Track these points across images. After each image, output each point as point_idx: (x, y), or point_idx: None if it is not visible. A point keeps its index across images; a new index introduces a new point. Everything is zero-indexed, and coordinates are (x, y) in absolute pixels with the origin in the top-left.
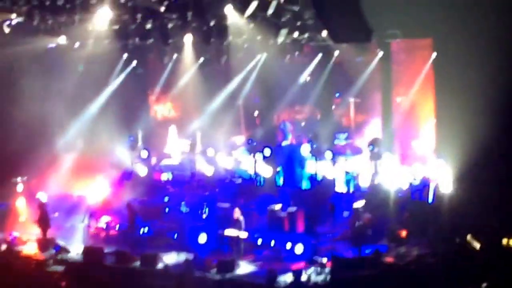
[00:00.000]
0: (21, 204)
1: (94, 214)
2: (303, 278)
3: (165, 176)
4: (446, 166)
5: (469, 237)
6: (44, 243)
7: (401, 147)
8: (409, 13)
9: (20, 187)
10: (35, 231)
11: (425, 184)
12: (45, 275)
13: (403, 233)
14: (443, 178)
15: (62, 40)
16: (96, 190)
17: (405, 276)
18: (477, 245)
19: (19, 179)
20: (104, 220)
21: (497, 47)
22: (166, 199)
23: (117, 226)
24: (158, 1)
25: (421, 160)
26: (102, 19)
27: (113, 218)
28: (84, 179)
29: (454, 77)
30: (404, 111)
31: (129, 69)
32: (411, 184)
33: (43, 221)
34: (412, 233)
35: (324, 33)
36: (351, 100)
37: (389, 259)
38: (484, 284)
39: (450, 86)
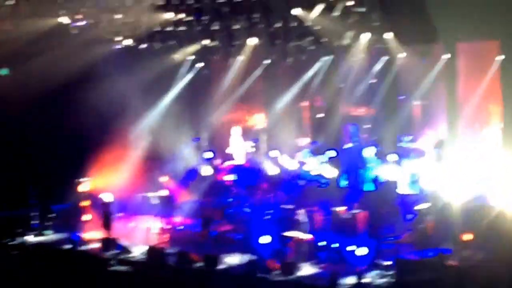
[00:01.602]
0: (85, 204)
1: (158, 214)
2: (366, 280)
3: (229, 177)
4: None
5: None
6: (107, 243)
7: (466, 150)
8: (476, 14)
9: (85, 187)
10: (98, 232)
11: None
12: (107, 275)
13: (468, 237)
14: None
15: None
16: (161, 190)
17: (468, 280)
18: None
19: (84, 178)
20: (168, 221)
21: None
22: (230, 200)
23: (182, 226)
24: (224, 2)
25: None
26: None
27: (178, 218)
28: (149, 179)
29: None
30: (470, 115)
31: (195, 70)
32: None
33: (107, 221)
34: (477, 237)
35: (390, 35)
36: (416, 102)
37: (453, 263)
38: None
39: None
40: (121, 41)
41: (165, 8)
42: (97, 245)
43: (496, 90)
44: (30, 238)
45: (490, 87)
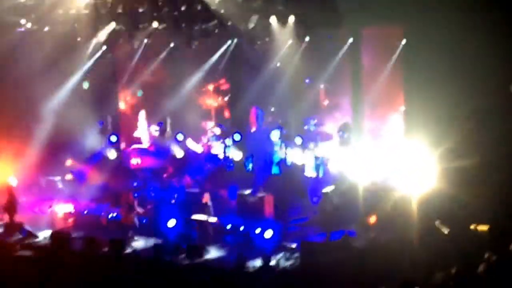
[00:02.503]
0: None
1: (63, 198)
2: (272, 263)
3: (135, 161)
4: (416, 153)
5: (437, 222)
6: (11, 228)
7: (372, 133)
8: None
9: None
10: (1, 216)
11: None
12: (12, 260)
13: (372, 219)
14: (413, 165)
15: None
16: (66, 174)
17: (373, 261)
18: (445, 230)
19: None
20: (72, 205)
21: (468, 38)
22: (135, 184)
23: (86, 211)
24: None
25: (391, 146)
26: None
27: (82, 202)
28: (54, 163)
29: (422, 66)
30: (375, 98)
31: (99, 54)
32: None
33: (11, 205)
34: (380, 219)
35: (294, 19)
36: (322, 86)
37: (358, 244)
38: (453, 270)
39: (419, 74)
40: (24, 24)
41: None
42: (0, 229)
43: (400, 74)
44: None
45: (394, 72)
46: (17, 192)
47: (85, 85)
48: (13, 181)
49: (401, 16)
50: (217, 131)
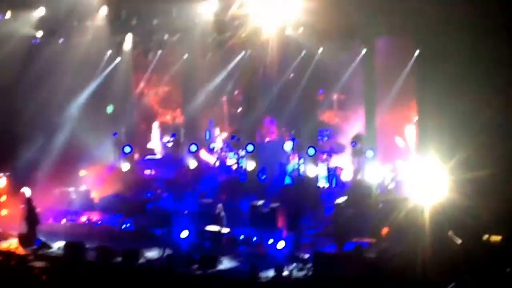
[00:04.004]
0: (2, 200)
1: (76, 209)
2: (285, 273)
3: (148, 172)
4: (429, 164)
5: (450, 233)
6: (26, 239)
7: (384, 144)
8: (394, 11)
9: (1, 182)
10: (15, 227)
11: (407, 181)
12: (25, 270)
13: (385, 230)
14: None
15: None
16: (80, 185)
17: (386, 272)
18: (458, 241)
19: (1, 174)
20: (86, 216)
21: (482, 50)
22: (148, 194)
23: (99, 221)
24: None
25: (403, 157)
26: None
27: (96, 213)
28: (67, 174)
29: (435, 77)
30: (387, 108)
31: (113, 65)
32: (393, 180)
33: (31, 216)
34: (394, 229)
35: (307, 30)
36: (335, 97)
37: (370, 255)
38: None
39: (432, 85)
40: (38, 36)
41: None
42: (15, 240)
43: (413, 85)
44: None
45: (408, 82)
46: (34, 202)
47: (109, 109)
48: (27, 192)
49: (414, 27)
50: (231, 142)
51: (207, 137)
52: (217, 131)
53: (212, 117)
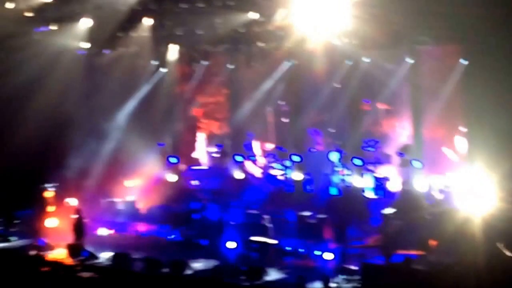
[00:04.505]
0: (50, 210)
1: (123, 220)
2: (332, 285)
3: (194, 182)
4: (477, 174)
5: (500, 245)
6: (73, 249)
7: (431, 154)
8: (439, 19)
9: (49, 194)
10: (63, 238)
11: (455, 192)
12: (73, 281)
13: (433, 242)
14: (475, 186)
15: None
16: (126, 195)
17: (435, 285)
18: (509, 253)
19: (48, 185)
20: (133, 226)
21: None
22: (194, 205)
23: (146, 232)
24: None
25: (452, 168)
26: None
27: (142, 224)
28: (114, 185)
29: (484, 86)
30: (435, 118)
31: (158, 75)
32: (441, 191)
33: (79, 227)
34: (443, 241)
35: (351, 39)
36: (381, 107)
37: (419, 267)
38: None
39: (480, 94)
40: (85, 48)
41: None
42: (63, 251)
43: (459, 95)
44: None
45: (455, 91)
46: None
47: None
48: (75, 202)
49: (461, 36)
50: (277, 152)
51: (246, 149)
52: (256, 144)
53: (257, 128)
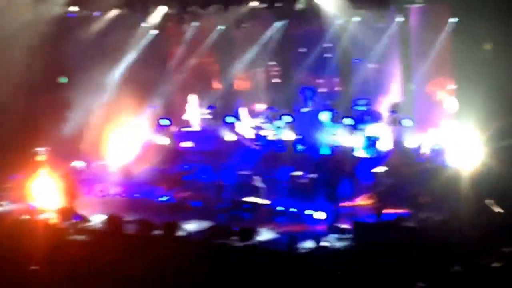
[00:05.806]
0: (42, 175)
1: (115, 183)
2: (324, 244)
3: (185, 144)
4: (467, 132)
5: (488, 201)
6: (65, 213)
7: (421, 113)
8: None
9: (41, 157)
10: (55, 201)
11: (445, 150)
12: (65, 244)
13: (425, 199)
14: (464, 144)
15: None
16: (117, 158)
17: (427, 241)
18: (498, 209)
19: (40, 149)
20: (124, 189)
21: None
22: (185, 167)
23: (138, 194)
24: None
25: (443, 126)
26: None
27: (134, 186)
28: (105, 148)
29: (472, 44)
30: (425, 77)
31: (148, 37)
32: (431, 149)
33: (70, 190)
34: (434, 198)
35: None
36: (370, 66)
37: (410, 225)
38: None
39: (468, 53)
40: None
41: None
42: (55, 214)
43: (448, 53)
44: None
45: (444, 49)
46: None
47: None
48: (67, 166)
49: None
50: (268, 113)
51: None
52: (244, 109)
53: (248, 89)
